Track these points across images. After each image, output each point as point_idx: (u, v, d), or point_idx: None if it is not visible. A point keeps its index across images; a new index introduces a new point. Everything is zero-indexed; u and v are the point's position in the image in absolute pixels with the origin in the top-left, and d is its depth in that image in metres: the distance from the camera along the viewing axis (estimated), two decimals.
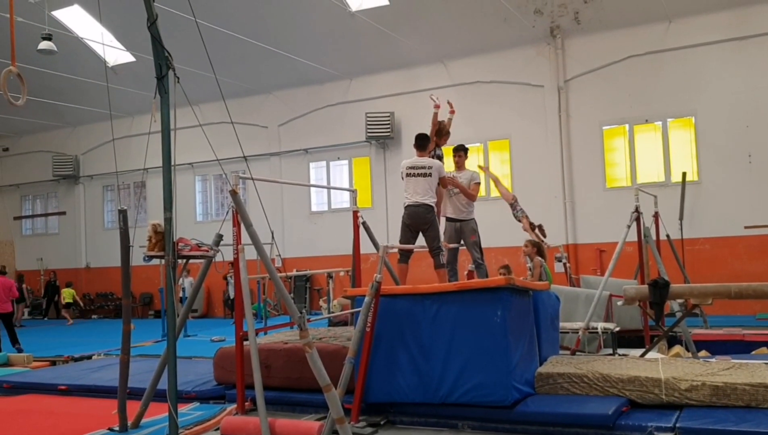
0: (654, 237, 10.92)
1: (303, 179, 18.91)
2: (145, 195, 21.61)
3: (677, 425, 5.38)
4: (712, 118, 14.07)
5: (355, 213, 9.23)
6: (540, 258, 10.18)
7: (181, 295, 17.10)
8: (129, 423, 6.35)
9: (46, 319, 21.82)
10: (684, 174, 14.05)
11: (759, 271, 13.04)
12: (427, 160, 7.64)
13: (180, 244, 5.43)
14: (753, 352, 10.16)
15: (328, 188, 18.66)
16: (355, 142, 18.07)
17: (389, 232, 16.70)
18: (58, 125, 22.74)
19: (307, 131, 18.86)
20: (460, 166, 8.56)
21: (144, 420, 6.50)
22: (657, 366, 6.46)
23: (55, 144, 23.21)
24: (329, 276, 16.84)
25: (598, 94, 15.17)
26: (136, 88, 18.62)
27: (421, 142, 7.78)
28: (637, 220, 9.96)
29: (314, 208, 19.10)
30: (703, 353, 9.63)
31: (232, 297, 17.05)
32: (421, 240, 7.73)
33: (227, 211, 7.07)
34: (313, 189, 19.21)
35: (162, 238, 5.38)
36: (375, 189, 17.94)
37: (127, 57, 18.78)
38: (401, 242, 7.21)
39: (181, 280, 17.61)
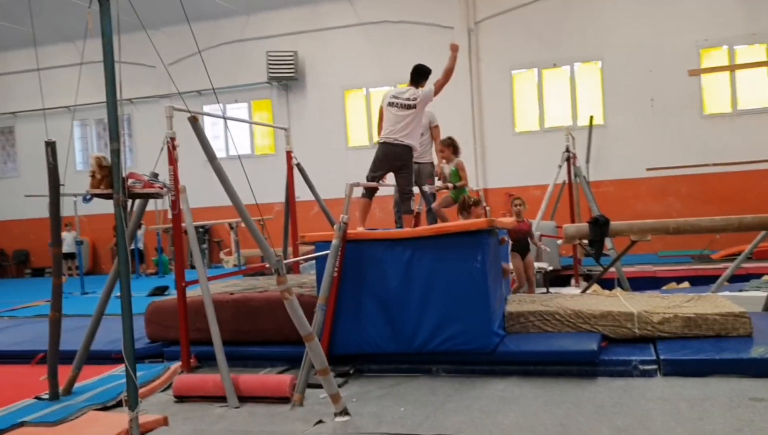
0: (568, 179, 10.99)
1: None
2: (13, 142, 19.51)
3: (660, 357, 5.36)
4: (618, 63, 14.38)
5: (289, 153, 8.61)
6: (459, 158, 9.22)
7: (65, 250, 15.73)
8: (60, 389, 5.53)
9: None
10: (591, 118, 14.34)
11: (659, 212, 13.66)
12: (413, 90, 6.63)
13: (130, 179, 4.64)
14: (663, 288, 10.62)
15: (256, 124, 17.48)
16: (254, 84, 17.05)
17: (296, 181, 16.00)
18: None
19: (201, 71, 17.39)
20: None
21: (76, 385, 5.70)
22: (621, 301, 6.47)
23: None
24: (231, 227, 15.99)
25: (507, 37, 15.06)
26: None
27: (413, 75, 6.74)
28: (568, 160, 10.02)
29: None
30: (617, 291, 9.90)
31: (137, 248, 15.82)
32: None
33: (162, 147, 6.25)
34: (209, 135, 17.97)
35: (109, 174, 4.56)
36: (278, 134, 17.09)
37: None
38: (368, 178, 6.64)
39: (63, 234, 16.14)
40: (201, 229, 17.28)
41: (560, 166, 9.98)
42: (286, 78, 16.42)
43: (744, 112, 13.81)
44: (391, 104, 6.60)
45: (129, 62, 18.62)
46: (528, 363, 5.57)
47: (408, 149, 6.65)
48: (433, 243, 5.66)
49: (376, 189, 6.73)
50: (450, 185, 8.03)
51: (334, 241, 5.61)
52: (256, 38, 16.89)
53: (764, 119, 13.65)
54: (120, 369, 6.42)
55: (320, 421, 4.72)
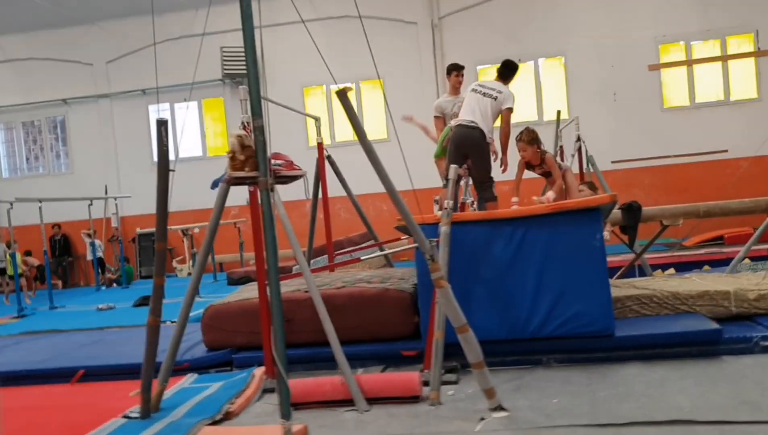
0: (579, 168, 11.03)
1: (141, 124, 16.66)
2: None
3: None
4: (581, 58, 14.77)
5: (320, 144, 8.10)
6: None
7: (91, 257, 14.72)
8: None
9: None
10: (558, 112, 14.55)
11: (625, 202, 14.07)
12: (499, 85, 6.68)
13: (274, 160, 4.11)
14: (652, 274, 10.92)
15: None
16: (206, 81, 16.17)
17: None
18: None
19: (145, 69, 16.41)
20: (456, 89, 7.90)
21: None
22: (697, 281, 6.49)
23: None
24: (184, 233, 15.05)
25: (472, 32, 15.12)
26: None
27: (503, 70, 6.79)
28: (579, 149, 10.09)
29: (157, 159, 16.87)
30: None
31: (93, 258, 14.58)
32: None
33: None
34: (154, 138, 16.93)
35: (253, 154, 4.03)
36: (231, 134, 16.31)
37: None
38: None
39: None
40: (151, 237, 16.21)
41: (573, 156, 10.05)
42: (242, 75, 15.67)
43: (701, 105, 14.53)
44: (474, 90, 6.52)
45: (62, 59, 17.27)
46: (646, 347, 5.42)
47: (483, 133, 6.48)
48: (549, 221, 5.43)
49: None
50: None
51: (445, 228, 5.24)
52: (206, 33, 15.99)
53: (720, 112, 14.41)
54: (189, 380, 5.79)
55: (483, 418, 4.36)
